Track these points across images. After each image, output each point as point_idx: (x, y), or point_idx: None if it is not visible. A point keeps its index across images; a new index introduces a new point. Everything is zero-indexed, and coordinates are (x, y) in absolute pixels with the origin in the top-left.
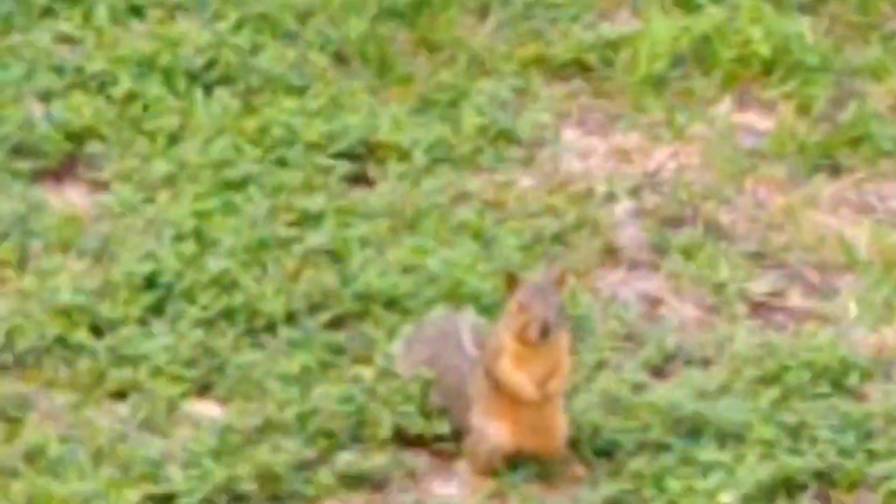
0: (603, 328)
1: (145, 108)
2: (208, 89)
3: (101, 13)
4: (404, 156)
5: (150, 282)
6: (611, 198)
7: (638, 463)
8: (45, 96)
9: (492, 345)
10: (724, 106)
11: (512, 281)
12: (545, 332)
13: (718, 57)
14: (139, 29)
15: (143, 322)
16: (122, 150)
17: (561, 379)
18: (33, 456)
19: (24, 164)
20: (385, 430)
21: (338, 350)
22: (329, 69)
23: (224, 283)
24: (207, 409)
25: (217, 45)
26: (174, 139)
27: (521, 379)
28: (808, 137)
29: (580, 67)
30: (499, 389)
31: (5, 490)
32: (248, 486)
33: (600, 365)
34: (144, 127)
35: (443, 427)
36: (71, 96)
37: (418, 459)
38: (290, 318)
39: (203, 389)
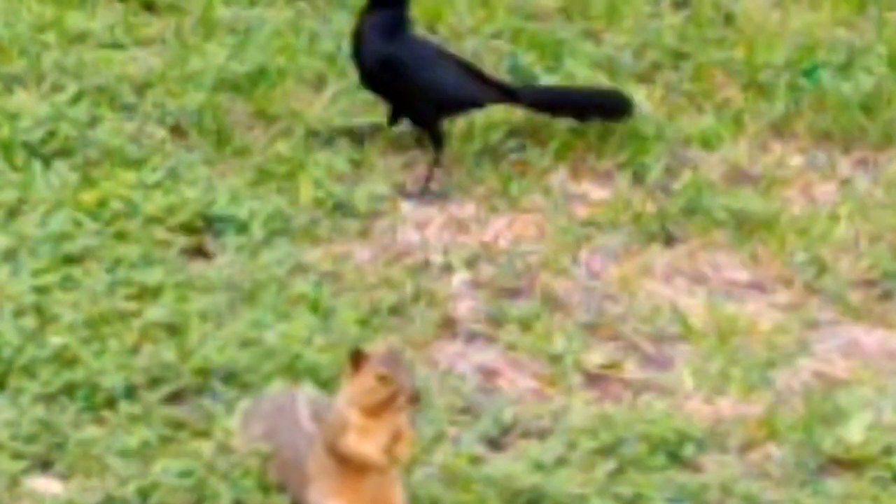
0: (440, 401)
1: None
2: (47, 162)
3: None
4: (242, 228)
5: None
6: (448, 269)
7: None
8: None
9: (334, 422)
10: (559, 176)
11: (359, 356)
12: (415, 399)
13: (553, 127)
14: None
15: None
16: None
17: (406, 445)
18: None
19: None
20: None
21: (177, 425)
22: (167, 141)
23: (64, 359)
24: (48, 486)
25: (55, 118)
26: (13, 213)
27: (368, 450)
28: (642, 207)
29: (416, 138)
30: (340, 465)
31: None
32: None
33: (438, 438)
34: None
35: (281, 502)
36: None
37: None
38: (130, 392)
39: (44, 465)
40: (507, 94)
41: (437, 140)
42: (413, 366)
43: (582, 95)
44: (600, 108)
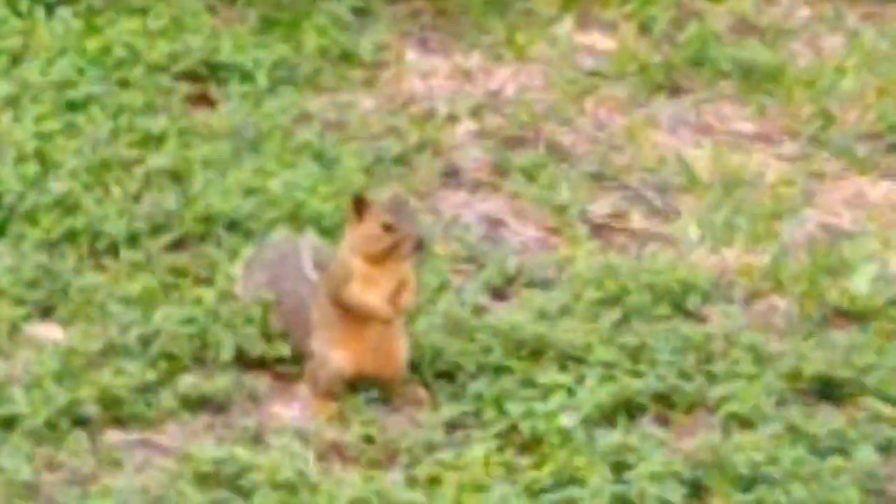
0: (444, 250)
1: None
2: (50, 9)
3: None
4: (246, 77)
5: None
6: (452, 118)
7: (479, 385)
8: None
9: (337, 271)
10: (566, 26)
11: (363, 204)
12: (420, 247)
13: None
14: None
15: None
16: None
17: (411, 294)
18: None
19: None
20: (227, 353)
21: (180, 272)
22: None
23: (66, 205)
24: (50, 332)
25: None
26: (16, 59)
27: (372, 299)
28: (648, 58)
29: None
30: (345, 314)
31: None
32: (91, 409)
33: (442, 287)
34: None
35: (284, 349)
36: None
37: (259, 382)
38: (132, 239)
39: (45, 312)
40: None
41: None
42: (418, 214)
43: None
44: None
